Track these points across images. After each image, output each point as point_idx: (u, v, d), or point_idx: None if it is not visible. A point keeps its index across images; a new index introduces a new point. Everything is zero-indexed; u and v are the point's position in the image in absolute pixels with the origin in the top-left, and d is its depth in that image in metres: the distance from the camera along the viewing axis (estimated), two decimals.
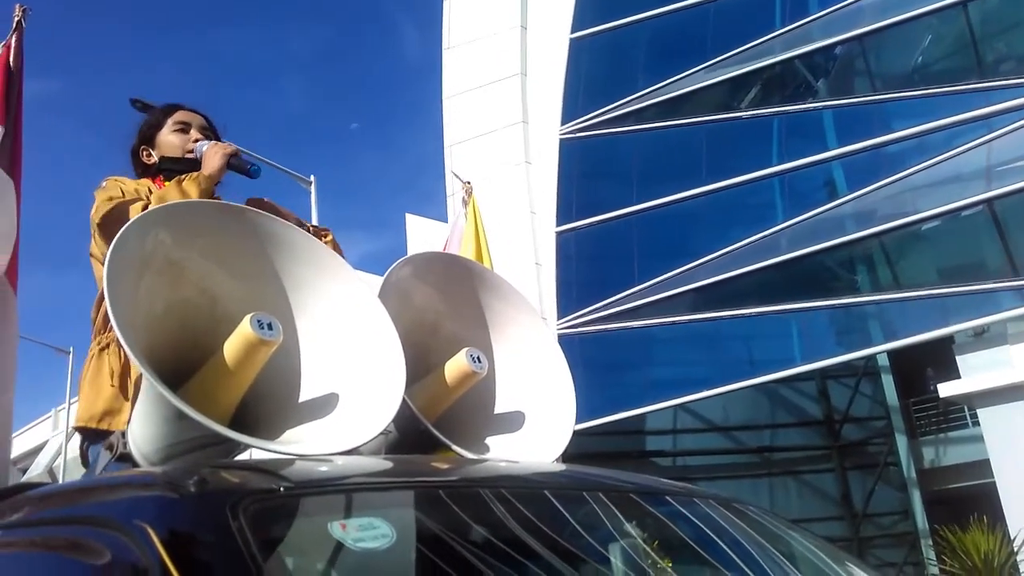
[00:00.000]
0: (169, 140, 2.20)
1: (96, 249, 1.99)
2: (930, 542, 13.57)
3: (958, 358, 12.55)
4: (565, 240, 15.48)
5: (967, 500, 12.69)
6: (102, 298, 1.95)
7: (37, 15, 2.84)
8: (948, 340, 12.72)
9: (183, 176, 1.99)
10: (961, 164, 12.54)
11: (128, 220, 1.82)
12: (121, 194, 1.99)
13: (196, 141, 2.18)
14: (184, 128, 2.21)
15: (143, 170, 2.20)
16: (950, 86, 12.92)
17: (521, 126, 16.58)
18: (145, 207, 1.89)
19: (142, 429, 1.45)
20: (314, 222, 10.88)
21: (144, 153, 2.21)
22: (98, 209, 1.95)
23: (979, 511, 10.45)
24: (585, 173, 15.88)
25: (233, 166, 2.07)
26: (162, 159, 2.18)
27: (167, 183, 2.12)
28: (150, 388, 1.34)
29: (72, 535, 1.11)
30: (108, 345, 1.88)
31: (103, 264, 1.93)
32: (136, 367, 1.24)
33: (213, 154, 2.05)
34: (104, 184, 2.05)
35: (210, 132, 2.24)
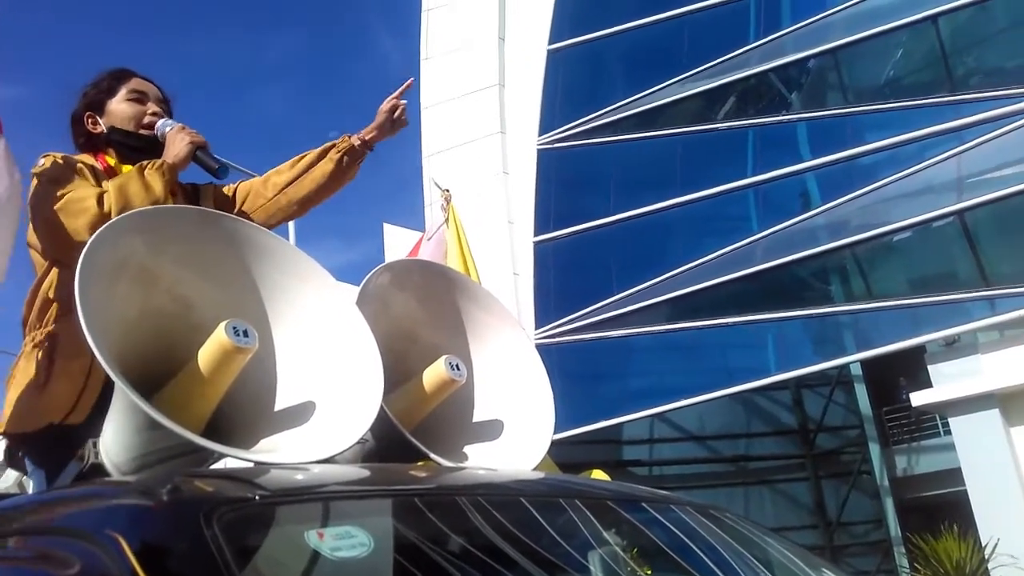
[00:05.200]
0: (122, 109, 1.99)
1: (35, 239, 1.82)
2: (903, 549, 13.71)
3: (930, 367, 12.71)
4: (543, 250, 15.51)
5: (939, 508, 12.85)
6: (36, 291, 1.81)
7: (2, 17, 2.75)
8: (920, 350, 12.89)
9: (145, 163, 1.80)
10: (932, 176, 12.74)
11: (78, 212, 1.69)
12: (65, 177, 1.78)
13: (154, 114, 1.99)
14: (140, 99, 2.01)
15: (87, 139, 1.99)
16: (921, 99, 13.14)
17: (499, 136, 16.61)
18: (100, 196, 1.72)
19: (114, 438, 1.43)
20: (291, 233, 10.79)
21: (90, 120, 1.99)
22: (38, 195, 1.76)
23: (951, 519, 10.58)
24: (563, 183, 15.94)
25: (199, 160, 1.87)
26: (112, 129, 1.97)
27: (113, 157, 1.95)
28: (123, 397, 1.32)
29: (42, 546, 1.09)
30: (41, 342, 1.73)
31: (40, 253, 1.84)
32: (110, 374, 1.22)
33: (179, 140, 1.86)
34: (42, 162, 1.82)
35: (165, 105, 2.05)
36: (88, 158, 1.93)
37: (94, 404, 1.70)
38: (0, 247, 1.77)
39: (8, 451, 1.81)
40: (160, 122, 1.97)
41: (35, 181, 1.80)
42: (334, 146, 2.06)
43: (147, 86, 2.05)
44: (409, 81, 2.15)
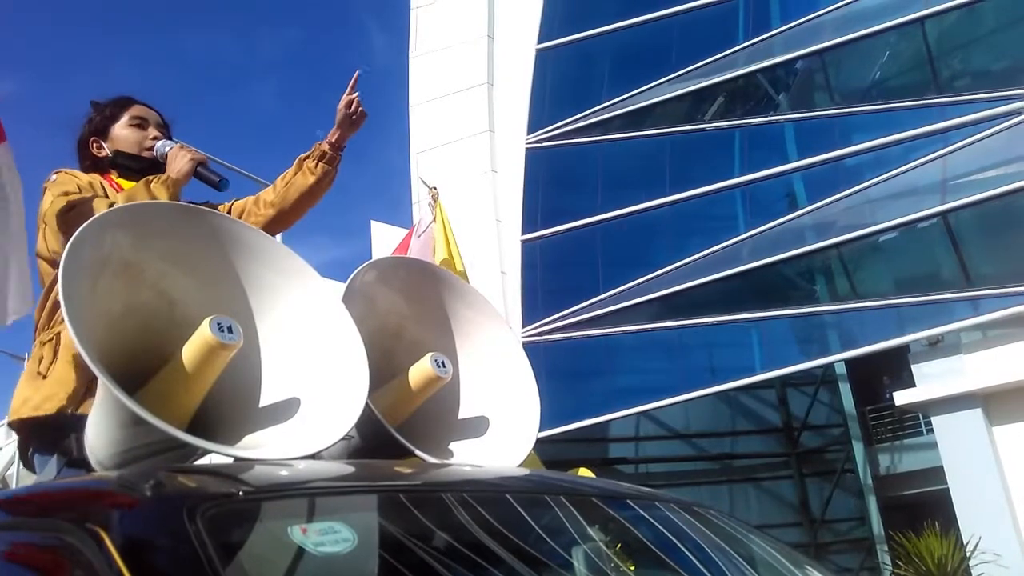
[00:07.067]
0: (125, 135, 2.13)
1: (44, 248, 1.91)
2: (885, 547, 13.82)
3: (913, 367, 12.81)
4: (530, 248, 15.52)
5: (921, 506, 12.96)
6: (46, 297, 1.89)
7: None
8: (904, 349, 12.98)
9: (151, 177, 1.92)
10: (917, 177, 12.84)
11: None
12: (77, 190, 1.90)
13: (155, 138, 2.12)
14: (142, 124, 2.15)
15: (92, 163, 2.12)
16: (907, 101, 13.23)
17: (487, 135, 16.60)
18: (111, 206, 1.81)
19: (98, 434, 1.42)
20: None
21: (95, 145, 2.13)
22: (53, 205, 1.86)
23: (933, 517, 10.67)
24: (550, 182, 15.96)
25: (200, 175, 1.99)
26: (117, 153, 2.11)
27: (118, 178, 2.06)
28: (106, 392, 1.31)
29: (24, 541, 1.08)
30: (48, 340, 1.81)
31: (49, 262, 1.89)
32: (93, 369, 1.21)
33: (181, 157, 1.98)
34: (54, 178, 1.96)
35: (165, 129, 2.18)
36: (97, 177, 2.05)
37: None
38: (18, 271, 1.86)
39: (21, 445, 1.86)
40: (159, 143, 2.09)
41: (49, 195, 1.91)
42: (308, 156, 2.18)
43: (148, 112, 2.18)
44: (356, 74, 2.21)
